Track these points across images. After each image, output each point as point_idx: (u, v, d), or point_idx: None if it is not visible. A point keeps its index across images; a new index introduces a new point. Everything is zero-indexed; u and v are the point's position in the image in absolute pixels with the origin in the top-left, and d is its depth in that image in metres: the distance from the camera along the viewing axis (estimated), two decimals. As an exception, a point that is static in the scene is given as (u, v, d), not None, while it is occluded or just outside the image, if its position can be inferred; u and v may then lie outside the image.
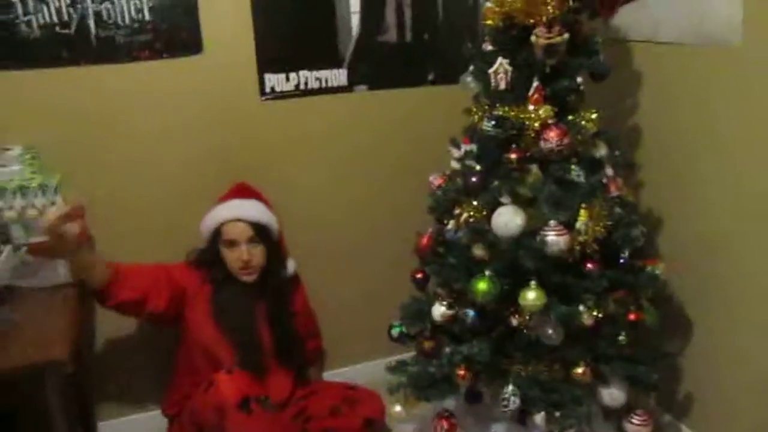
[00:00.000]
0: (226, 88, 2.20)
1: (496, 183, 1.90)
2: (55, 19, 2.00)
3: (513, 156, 1.84)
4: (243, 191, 2.20)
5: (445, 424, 2.08)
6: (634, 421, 2.00)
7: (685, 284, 2.13)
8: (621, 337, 1.92)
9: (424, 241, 2.12)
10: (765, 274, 1.84)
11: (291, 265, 2.29)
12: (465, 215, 1.94)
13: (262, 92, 2.25)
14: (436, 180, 2.11)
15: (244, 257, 2.10)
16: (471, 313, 1.95)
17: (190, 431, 2.04)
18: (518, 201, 1.87)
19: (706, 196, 2.00)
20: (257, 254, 2.14)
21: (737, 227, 1.90)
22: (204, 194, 2.18)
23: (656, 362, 2.03)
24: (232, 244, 2.11)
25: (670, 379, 2.21)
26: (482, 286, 1.87)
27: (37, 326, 1.59)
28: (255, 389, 2.01)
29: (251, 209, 2.15)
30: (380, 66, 2.38)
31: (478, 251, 1.93)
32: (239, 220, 2.11)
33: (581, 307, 1.84)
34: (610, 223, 1.87)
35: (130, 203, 2.20)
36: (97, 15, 2.03)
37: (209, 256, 2.15)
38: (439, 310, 2.02)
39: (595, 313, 1.85)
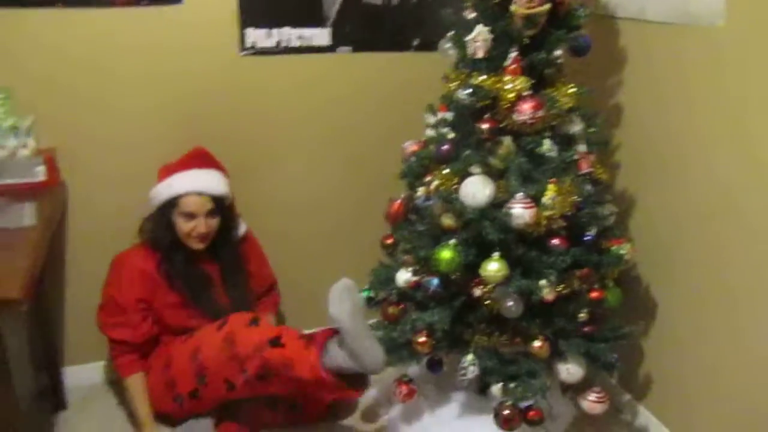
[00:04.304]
0: (205, 39, 2.18)
1: (467, 152, 1.88)
2: (32, -41, 1.97)
3: (485, 126, 1.82)
4: (201, 159, 2.14)
5: (404, 389, 2.10)
6: (590, 398, 2.02)
7: (654, 266, 2.14)
8: (581, 314, 1.92)
9: (395, 207, 2.11)
10: (734, 262, 1.84)
11: (242, 227, 2.27)
12: (435, 183, 1.94)
13: (242, 47, 2.22)
14: (410, 146, 2.10)
15: (201, 229, 2.09)
16: (434, 281, 1.96)
17: (183, 374, 2.04)
18: (488, 172, 1.87)
19: (682, 179, 1.98)
20: (213, 225, 2.13)
21: (711, 212, 1.89)
22: (175, 142, 2.16)
23: (616, 341, 2.04)
24: (190, 216, 2.08)
25: (631, 359, 2.23)
26: (446, 255, 1.86)
27: (-4, 265, 1.59)
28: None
29: (211, 181, 2.11)
30: (365, 28, 2.35)
31: (447, 220, 1.92)
32: (199, 193, 2.08)
33: (542, 282, 1.84)
34: (578, 199, 1.87)
35: (101, 148, 2.19)
36: (77, -43, 2.00)
37: (160, 224, 2.11)
38: (403, 277, 2.03)
39: (557, 289, 1.85)
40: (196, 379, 2.02)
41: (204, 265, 2.18)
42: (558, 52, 1.84)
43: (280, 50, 2.26)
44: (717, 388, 1.94)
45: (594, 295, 1.92)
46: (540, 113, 1.79)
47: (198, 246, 2.12)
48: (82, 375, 2.40)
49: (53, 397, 2.31)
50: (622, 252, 1.94)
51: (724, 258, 1.86)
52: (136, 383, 2.13)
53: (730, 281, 1.85)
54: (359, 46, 2.35)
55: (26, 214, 1.85)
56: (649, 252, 2.11)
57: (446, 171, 1.92)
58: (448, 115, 1.98)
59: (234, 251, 2.24)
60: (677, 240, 2.02)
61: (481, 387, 2.22)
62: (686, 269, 2.00)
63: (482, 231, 1.82)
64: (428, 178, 1.98)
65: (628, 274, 2.17)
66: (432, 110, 2.06)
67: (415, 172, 2.05)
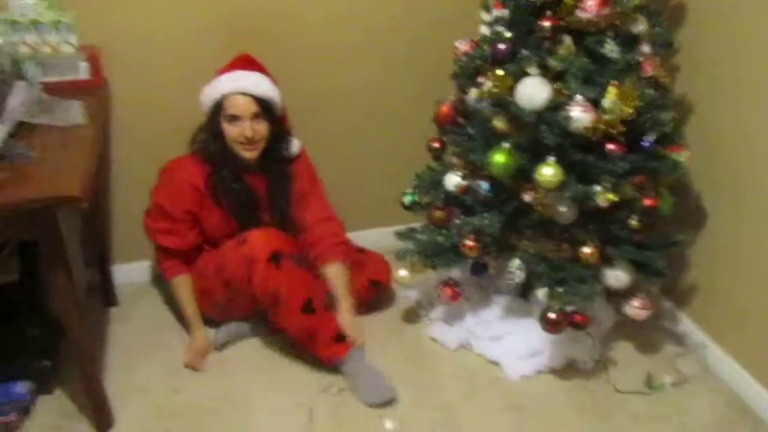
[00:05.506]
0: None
1: (525, 52, 1.81)
2: None
3: (546, 24, 1.74)
4: (247, 62, 2.07)
5: (448, 292, 2.13)
6: (634, 304, 2.03)
7: (708, 176, 2.08)
8: (633, 222, 1.90)
9: (444, 109, 2.06)
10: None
11: (296, 145, 2.22)
12: (489, 84, 1.88)
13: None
14: (462, 45, 2.02)
15: (246, 133, 2.02)
16: (485, 185, 1.94)
17: (215, 284, 2.11)
18: (546, 73, 1.80)
19: (746, 88, 1.89)
20: (260, 130, 2.06)
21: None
22: (218, 42, 2.12)
23: (665, 249, 2.03)
24: (235, 119, 2.03)
25: (676, 267, 2.22)
26: (499, 158, 1.83)
27: (52, 163, 1.59)
28: (287, 246, 2.05)
29: (256, 83, 2.04)
30: None
31: (499, 123, 1.88)
32: (243, 93, 2.02)
33: (597, 188, 1.81)
34: (639, 104, 1.80)
35: (143, 47, 2.15)
36: None
37: (209, 132, 2.08)
38: (452, 180, 2.01)
39: (610, 196, 1.82)
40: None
41: (252, 181, 2.15)
42: (628, -57, 1.73)
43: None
44: (759, 301, 1.94)
45: (648, 202, 1.88)
46: (605, 11, 1.70)
47: (247, 154, 2.08)
48: (130, 273, 2.47)
49: (104, 294, 2.38)
50: (680, 159, 1.88)
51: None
52: (183, 284, 2.18)
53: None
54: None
55: (75, 113, 1.84)
56: (703, 160, 2.05)
57: (501, 72, 1.86)
58: (505, 13, 1.89)
59: (283, 167, 2.19)
60: (735, 151, 1.96)
61: (523, 291, 2.24)
62: (742, 181, 1.95)
63: (538, 135, 1.78)
64: (481, 80, 1.92)
65: (680, 182, 2.13)
66: (487, 7, 1.97)
67: (467, 72, 1.98)
